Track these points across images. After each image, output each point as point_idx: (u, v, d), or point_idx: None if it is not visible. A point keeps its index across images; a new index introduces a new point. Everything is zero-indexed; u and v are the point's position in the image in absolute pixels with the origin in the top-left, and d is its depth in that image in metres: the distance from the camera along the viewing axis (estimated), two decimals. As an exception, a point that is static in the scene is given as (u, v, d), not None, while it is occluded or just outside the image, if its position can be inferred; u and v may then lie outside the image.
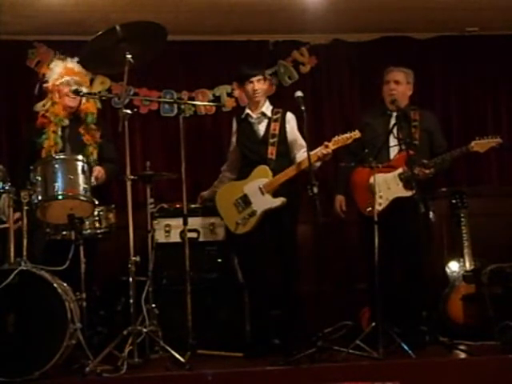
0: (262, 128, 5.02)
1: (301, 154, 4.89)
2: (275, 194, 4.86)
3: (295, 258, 4.97)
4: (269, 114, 5.03)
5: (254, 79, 4.96)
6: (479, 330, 4.98)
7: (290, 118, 5.00)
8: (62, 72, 4.93)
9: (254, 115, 5.04)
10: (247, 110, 5.07)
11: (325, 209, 4.87)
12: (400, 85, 5.13)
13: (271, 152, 4.94)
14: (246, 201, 4.91)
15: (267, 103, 5.07)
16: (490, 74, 6.21)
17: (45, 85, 5.00)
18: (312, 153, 4.75)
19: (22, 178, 4.49)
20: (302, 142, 4.95)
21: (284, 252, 4.92)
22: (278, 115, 5.01)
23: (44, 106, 4.98)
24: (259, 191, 4.88)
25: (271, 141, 4.96)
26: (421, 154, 4.96)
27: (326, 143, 4.80)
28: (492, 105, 6.24)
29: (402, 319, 4.86)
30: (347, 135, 4.80)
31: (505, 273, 5.04)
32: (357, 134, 4.80)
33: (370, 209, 4.74)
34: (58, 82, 4.93)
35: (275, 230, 4.90)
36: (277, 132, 4.96)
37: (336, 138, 4.81)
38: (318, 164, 4.93)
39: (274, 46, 6.13)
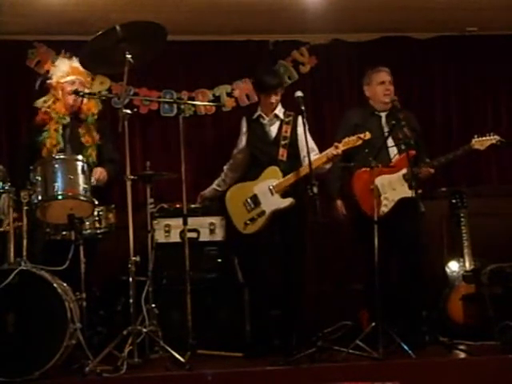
0: (273, 130, 5.06)
1: (311, 156, 4.89)
2: (284, 195, 4.88)
3: (303, 259, 4.97)
4: (281, 116, 5.07)
5: (279, 91, 5.02)
6: (479, 330, 4.98)
7: (301, 121, 5.01)
8: (67, 70, 4.95)
9: (266, 117, 5.07)
10: (259, 112, 5.10)
11: (323, 209, 4.87)
12: (392, 85, 5.15)
13: (282, 154, 4.96)
14: (255, 201, 4.93)
15: (279, 106, 5.10)
16: (490, 73, 6.21)
17: (48, 81, 5.01)
18: (322, 154, 4.85)
19: (22, 178, 4.48)
20: (312, 144, 4.97)
21: (292, 253, 4.91)
22: (290, 118, 5.05)
23: (45, 102, 4.98)
24: (269, 192, 4.90)
25: (283, 143, 4.99)
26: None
27: (335, 144, 4.82)
28: (492, 105, 6.24)
29: (401, 319, 4.86)
30: (357, 136, 4.80)
31: (505, 273, 5.04)
32: (367, 135, 4.80)
33: (383, 209, 4.76)
34: (62, 80, 4.95)
35: (285, 230, 4.91)
36: (288, 134, 5.01)
37: (346, 139, 4.81)
38: (328, 166, 4.97)
39: (273, 45, 6.13)
